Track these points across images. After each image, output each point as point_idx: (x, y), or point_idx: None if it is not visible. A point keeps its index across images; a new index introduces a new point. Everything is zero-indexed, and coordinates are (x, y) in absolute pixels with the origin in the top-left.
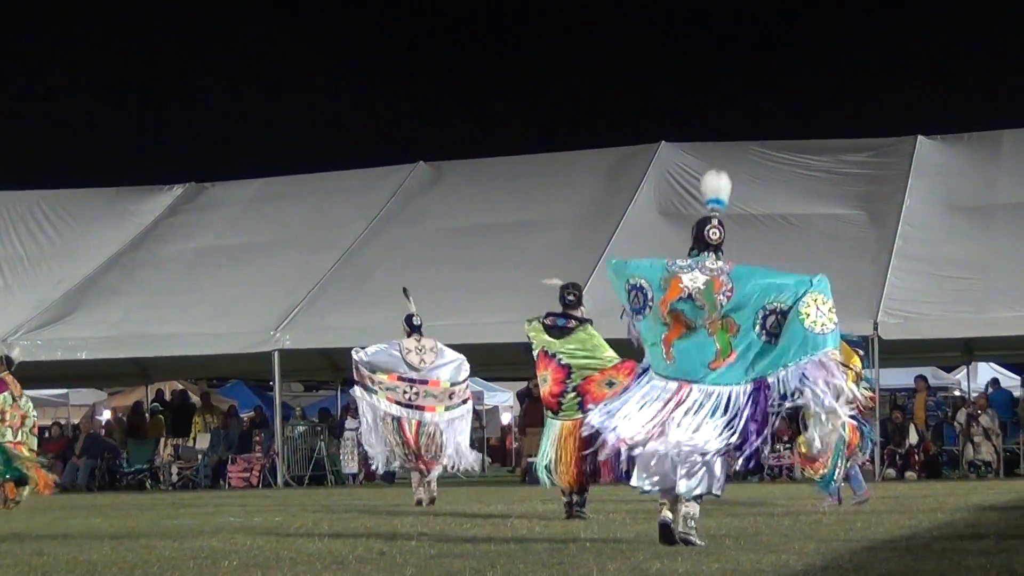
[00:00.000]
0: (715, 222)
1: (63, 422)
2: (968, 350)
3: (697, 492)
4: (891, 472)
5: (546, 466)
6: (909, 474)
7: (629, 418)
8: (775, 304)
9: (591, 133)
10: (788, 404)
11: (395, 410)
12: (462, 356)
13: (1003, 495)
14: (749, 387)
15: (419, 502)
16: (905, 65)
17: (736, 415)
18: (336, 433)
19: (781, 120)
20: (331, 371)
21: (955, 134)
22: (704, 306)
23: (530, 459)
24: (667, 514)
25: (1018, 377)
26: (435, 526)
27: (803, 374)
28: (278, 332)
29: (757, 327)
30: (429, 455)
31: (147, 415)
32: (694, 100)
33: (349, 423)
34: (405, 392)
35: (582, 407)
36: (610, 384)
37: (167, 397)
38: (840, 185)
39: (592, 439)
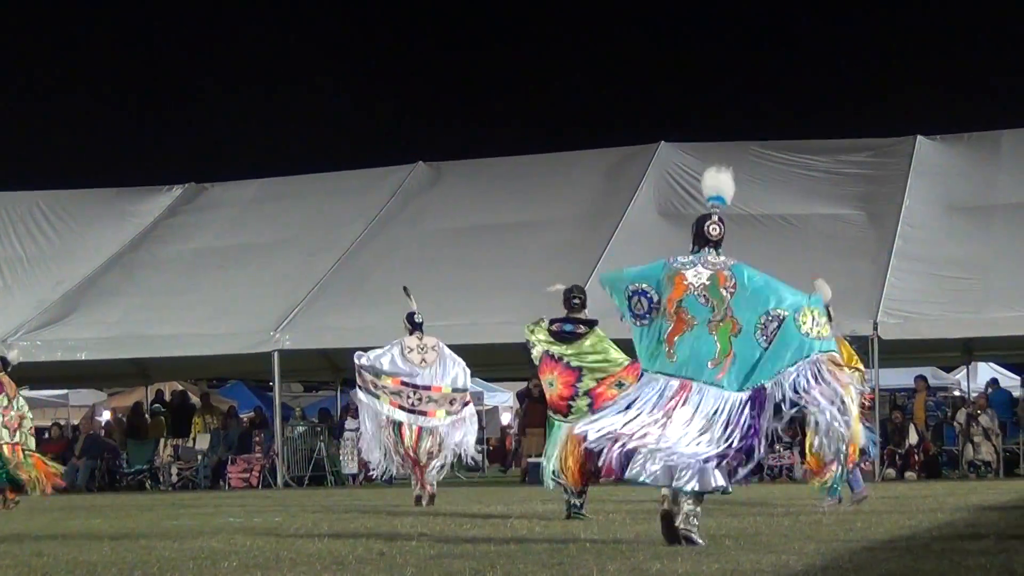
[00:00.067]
0: (715, 218)
1: (63, 423)
2: (968, 350)
3: (690, 488)
4: (891, 472)
5: (553, 469)
6: (909, 474)
7: (629, 417)
8: (777, 311)
9: (591, 133)
10: (791, 413)
11: (397, 415)
12: (463, 362)
13: (1003, 495)
14: (746, 395)
15: (418, 499)
16: (905, 65)
17: (733, 422)
18: (336, 434)
19: (781, 120)
20: (331, 371)
21: (954, 134)
22: (711, 302)
23: (530, 459)
24: (669, 506)
25: (1018, 377)
26: (435, 526)
27: (800, 385)
28: (278, 332)
29: (758, 332)
30: (428, 459)
31: (147, 416)
32: (693, 100)
33: (349, 423)
34: (408, 397)
35: (592, 410)
36: (619, 385)
37: (167, 398)
38: (840, 185)
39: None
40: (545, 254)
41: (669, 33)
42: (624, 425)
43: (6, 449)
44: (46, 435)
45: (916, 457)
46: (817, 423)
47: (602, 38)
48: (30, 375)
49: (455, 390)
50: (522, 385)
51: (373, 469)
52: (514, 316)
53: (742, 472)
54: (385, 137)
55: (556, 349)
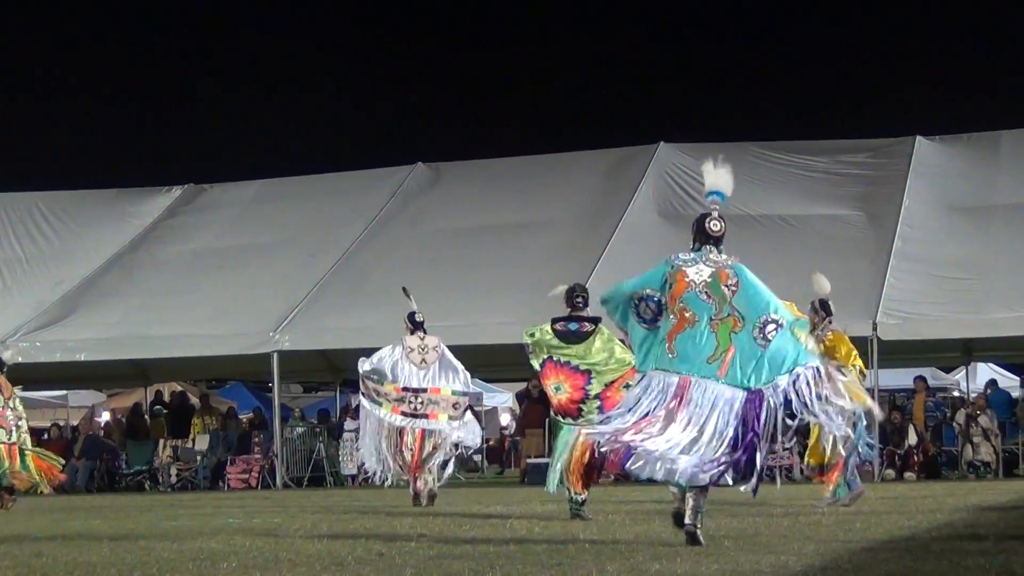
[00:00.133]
0: (715, 215)
1: (62, 423)
2: (967, 351)
3: (697, 482)
4: (890, 473)
5: (559, 472)
6: (908, 475)
7: (633, 418)
8: (775, 316)
9: (590, 134)
10: (794, 424)
11: (400, 421)
12: (462, 366)
13: (1002, 495)
14: (743, 395)
15: (416, 496)
16: (904, 65)
17: (731, 423)
18: (335, 434)
19: (780, 121)
20: (330, 372)
21: (954, 134)
22: (712, 299)
23: (529, 460)
24: (679, 505)
25: (1017, 378)
26: (434, 527)
27: (803, 392)
28: (277, 333)
29: (757, 330)
30: (430, 454)
31: (147, 416)
32: (693, 101)
33: (348, 424)
34: (410, 402)
35: (602, 412)
36: (628, 387)
37: (166, 398)
38: (839, 186)
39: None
40: (544, 255)
41: (669, 33)
42: (628, 425)
43: (3, 449)
44: (45, 436)
45: (915, 458)
46: (821, 428)
47: (602, 38)
48: (29, 376)
49: (455, 393)
50: (521, 386)
51: (369, 475)
52: (514, 316)
53: (752, 482)
54: (384, 138)
55: (561, 354)
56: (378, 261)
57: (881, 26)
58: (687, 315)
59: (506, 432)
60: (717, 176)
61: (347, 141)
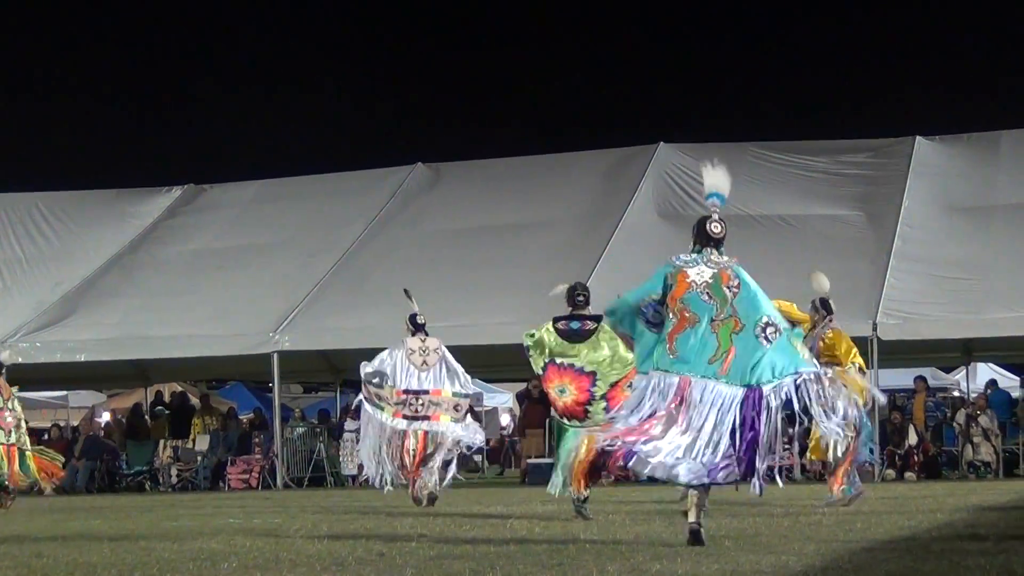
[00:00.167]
0: (716, 217)
1: (62, 424)
2: (967, 351)
3: (696, 481)
4: (891, 473)
5: (564, 475)
6: (908, 475)
7: (635, 420)
8: (775, 321)
9: (589, 134)
10: (792, 427)
11: (402, 424)
12: (462, 368)
13: (1002, 495)
14: (743, 392)
15: (416, 499)
16: (904, 65)
17: (729, 421)
18: (335, 435)
19: (779, 121)
20: (330, 372)
21: (954, 135)
22: (714, 300)
23: (529, 460)
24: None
25: (1017, 378)
26: (434, 527)
27: (804, 391)
28: (277, 334)
29: (758, 329)
30: (432, 453)
31: (147, 417)
32: (693, 101)
33: (348, 424)
34: (411, 404)
35: (608, 413)
36: (631, 387)
37: (166, 399)
38: (838, 186)
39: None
40: (544, 255)
41: (668, 34)
42: (631, 427)
43: (1, 451)
44: (45, 436)
45: (916, 458)
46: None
47: (601, 39)
48: (29, 376)
49: (456, 394)
50: (521, 386)
51: (368, 479)
52: (514, 317)
53: (755, 483)
54: (384, 138)
55: (563, 356)
56: (378, 261)
57: (881, 26)
58: (687, 315)
59: (504, 432)
60: (716, 178)
61: (347, 141)
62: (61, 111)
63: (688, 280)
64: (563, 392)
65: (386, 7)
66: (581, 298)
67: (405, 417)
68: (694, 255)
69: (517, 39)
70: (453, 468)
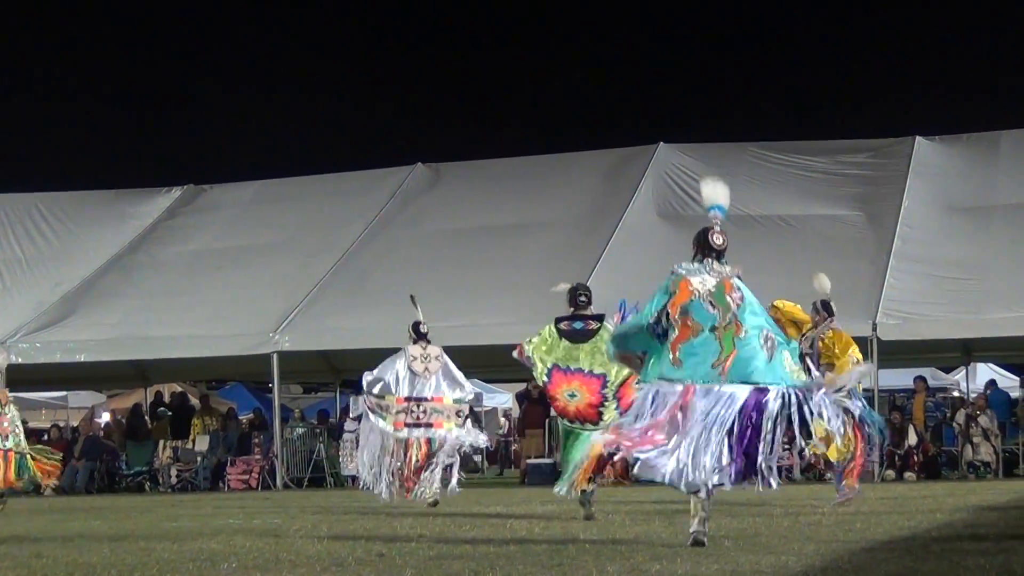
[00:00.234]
0: (718, 228)
1: (62, 424)
2: (967, 351)
3: (699, 488)
4: (890, 473)
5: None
6: (908, 475)
7: (638, 426)
8: (773, 334)
9: (589, 134)
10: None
11: (404, 433)
12: (462, 375)
13: (1002, 495)
14: (745, 392)
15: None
16: (903, 66)
17: (729, 422)
18: (335, 435)
19: (779, 121)
20: (330, 373)
21: (953, 135)
22: (717, 308)
23: (529, 460)
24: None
25: (1016, 378)
26: (434, 528)
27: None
28: (277, 334)
29: (760, 338)
30: (427, 469)
31: (147, 417)
32: (692, 101)
33: (348, 425)
34: (413, 411)
35: (619, 410)
36: (640, 384)
37: (166, 399)
38: (838, 186)
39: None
40: (544, 255)
41: (668, 34)
42: (635, 434)
43: None
44: (45, 437)
45: (915, 458)
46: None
47: (601, 39)
48: (29, 377)
49: (456, 401)
50: (521, 386)
51: (364, 484)
52: (513, 317)
53: (758, 481)
54: (384, 138)
55: (569, 360)
56: (378, 262)
57: (881, 26)
58: (690, 324)
59: (499, 433)
60: (715, 189)
61: (347, 141)
62: (61, 111)
63: (691, 288)
64: (573, 396)
65: (386, 7)
66: (583, 298)
67: (407, 425)
68: (696, 264)
69: (517, 39)
70: (456, 472)
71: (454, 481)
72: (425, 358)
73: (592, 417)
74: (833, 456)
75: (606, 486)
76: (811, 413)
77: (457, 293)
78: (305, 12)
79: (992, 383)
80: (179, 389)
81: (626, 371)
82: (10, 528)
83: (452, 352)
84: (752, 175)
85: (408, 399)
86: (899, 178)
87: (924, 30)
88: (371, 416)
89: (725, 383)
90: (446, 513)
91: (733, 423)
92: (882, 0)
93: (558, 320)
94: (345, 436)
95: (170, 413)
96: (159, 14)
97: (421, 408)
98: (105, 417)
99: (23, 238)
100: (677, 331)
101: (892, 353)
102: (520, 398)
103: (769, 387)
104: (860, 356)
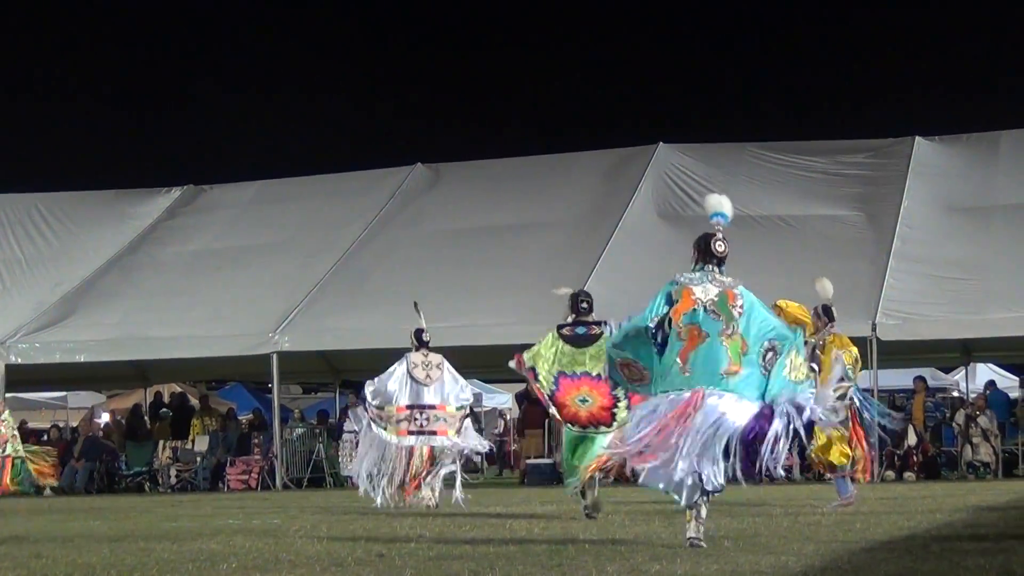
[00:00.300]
0: (720, 235)
1: (61, 425)
2: (966, 351)
3: (698, 494)
4: (890, 473)
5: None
6: (908, 475)
7: (642, 432)
8: (774, 342)
9: (589, 135)
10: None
11: (407, 441)
12: (463, 381)
13: (1001, 496)
14: (757, 405)
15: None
16: (903, 66)
17: (736, 430)
18: (335, 435)
19: (779, 121)
20: (330, 373)
21: (953, 135)
22: (720, 316)
23: (528, 461)
24: (694, 536)
25: (1016, 378)
26: (434, 528)
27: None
28: (276, 334)
29: (760, 358)
30: (428, 477)
31: (147, 417)
32: (692, 101)
33: (348, 425)
34: (416, 419)
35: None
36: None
37: (166, 399)
38: (838, 186)
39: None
40: (544, 255)
41: (668, 34)
42: (640, 442)
43: None
44: (45, 437)
45: (915, 458)
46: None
47: (601, 39)
48: (29, 377)
49: (459, 408)
50: (521, 386)
51: (361, 489)
52: (513, 317)
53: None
54: (384, 138)
55: (575, 366)
56: (378, 262)
57: (881, 26)
58: (696, 333)
59: (495, 432)
60: (719, 200)
61: (347, 141)
62: (61, 111)
63: (694, 298)
64: (585, 401)
65: (386, 7)
66: (584, 305)
67: (411, 433)
68: (697, 273)
69: (517, 39)
70: (459, 481)
71: (460, 493)
72: (427, 365)
73: (606, 420)
74: (836, 459)
75: (607, 485)
76: (811, 423)
77: (457, 293)
78: (305, 12)
79: (992, 383)
80: (179, 389)
81: None
82: (10, 528)
83: (452, 352)
84: (752, 175)
85: (410, 407)
86: (899, 178)
87: (924, 30)
88: (373, 427)
89: (735, 391)
90: (446, 513)
91: (736, 432)
92: (882, 0)
93: (560, 327)
94: (344, 436)
95: (170, 413)
96: (159, 14)
97: (424, 416)
98: (105, 417)
99: (23, 238)
100: (684, 341)
101: (892, 353)
102: (520, 398)
103: (774, 406)
104: (857, 352)
